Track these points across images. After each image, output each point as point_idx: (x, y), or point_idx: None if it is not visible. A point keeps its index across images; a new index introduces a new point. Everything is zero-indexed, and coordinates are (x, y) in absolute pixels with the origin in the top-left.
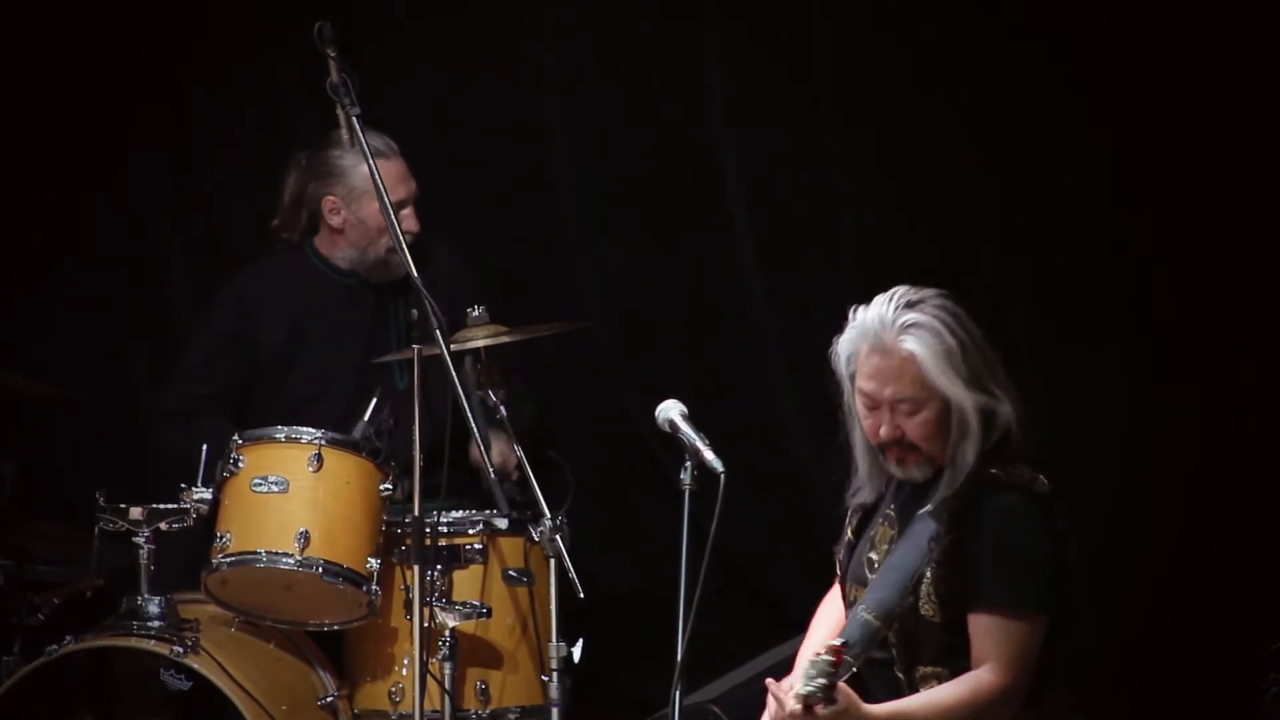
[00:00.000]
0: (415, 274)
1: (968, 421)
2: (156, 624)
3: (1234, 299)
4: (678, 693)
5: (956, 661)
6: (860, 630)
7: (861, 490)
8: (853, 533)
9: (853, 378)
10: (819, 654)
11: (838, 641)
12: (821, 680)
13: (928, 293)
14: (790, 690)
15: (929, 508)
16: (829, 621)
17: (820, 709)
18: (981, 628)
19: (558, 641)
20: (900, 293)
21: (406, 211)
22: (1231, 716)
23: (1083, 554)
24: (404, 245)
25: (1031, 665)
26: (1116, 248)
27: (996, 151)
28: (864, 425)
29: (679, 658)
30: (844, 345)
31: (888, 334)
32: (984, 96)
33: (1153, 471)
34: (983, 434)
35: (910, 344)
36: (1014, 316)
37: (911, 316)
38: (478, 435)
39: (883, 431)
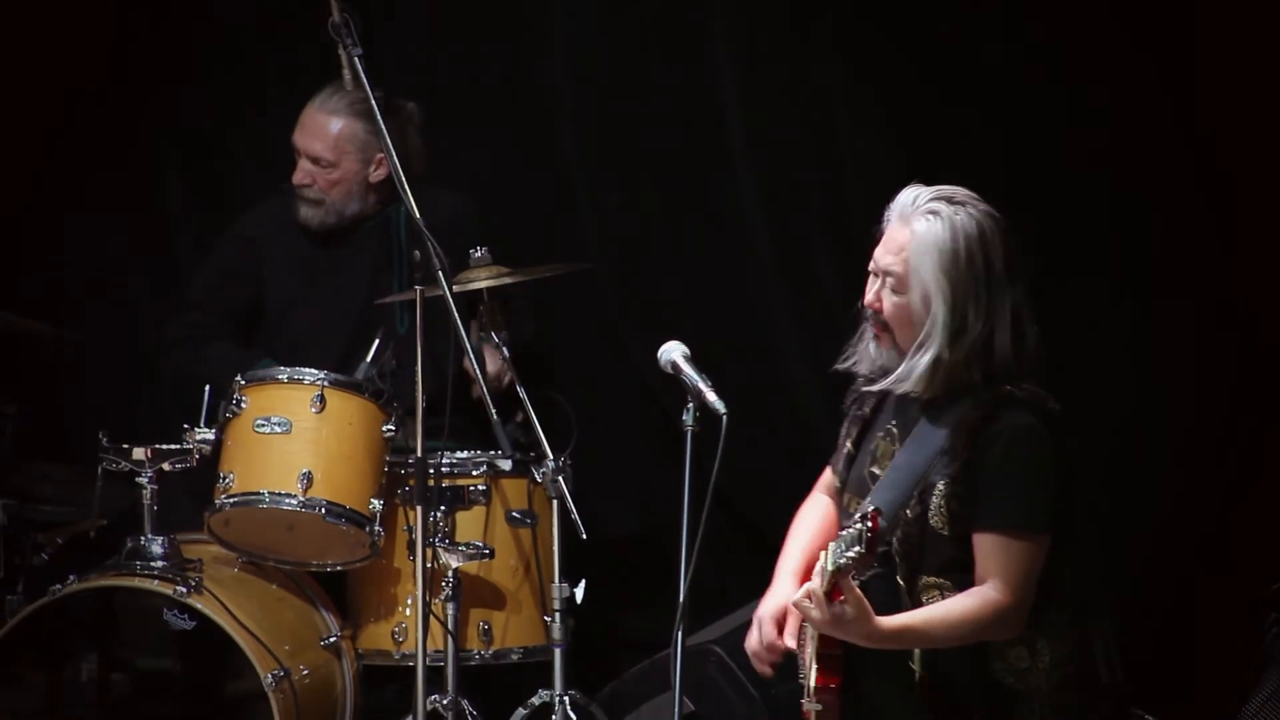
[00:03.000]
0: (418, 215)
1: (936, 325)
2: (160, 564)
3: (1233, 227)
4: (679, 633)
5: (960, 574)
6: None
7: (853, 358)
8: (852, 444)
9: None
10: (848, 529)
11: (870, 508)
12: (859, 548)
13: (974, 197)
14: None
15: (886, 384)
16: (809, 530)
17: (844, 592)
18: (986, 546)
19: (560, 582)
20: (952, 189)
21: (301, 161)
22: (1234, 655)
23: (1086, 492)
24: (405, 183)
25: (1034, 585)
26: (1118, 191)
27: (999, 93)
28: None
29: (681, 599)
30: (890, 210)
31: (910, 209)
32: (988, 37)
33: (1154, 414)
34: (950, 346)
35: (919, 225)
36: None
37: (940, 206)
38: (470, 353)
39: (868, 297)
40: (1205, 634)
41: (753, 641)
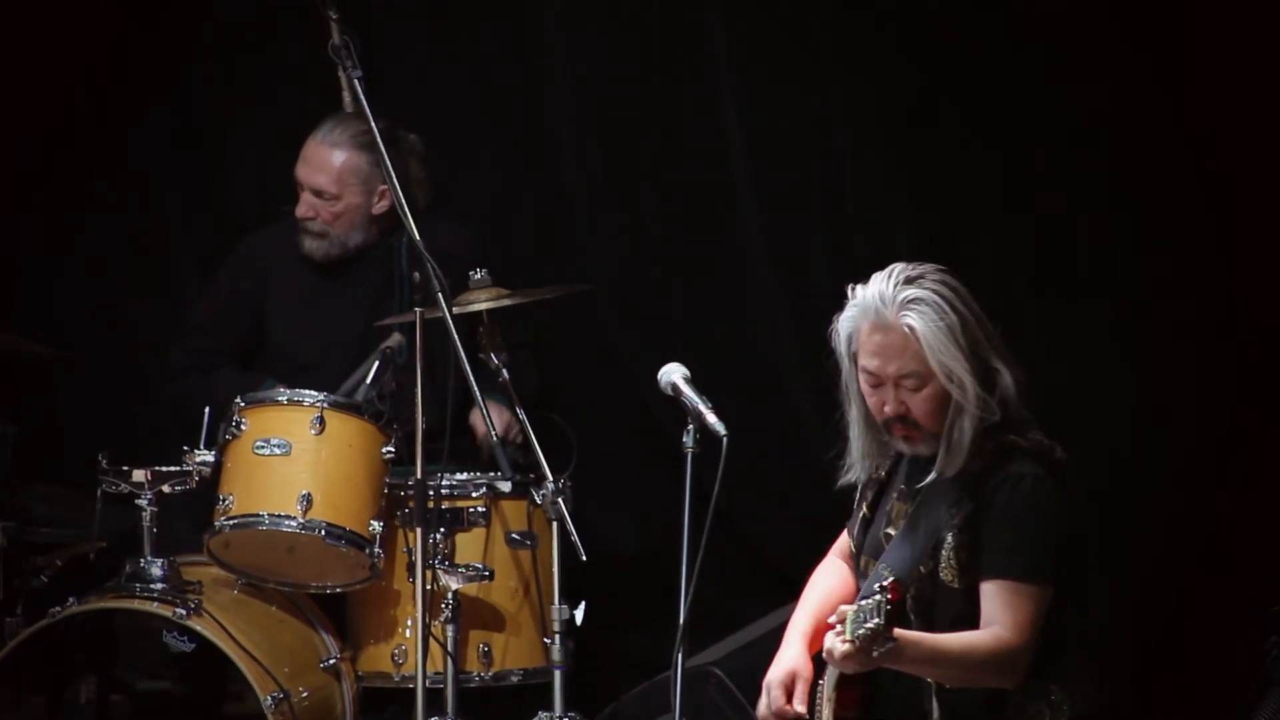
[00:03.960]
0: (418, 237)
1: (966, 397)
2: (159, 586)
3: (1233, 256)
4: (679, 655)
5: (972, 628)
6: None
7: (853, 469)
8: (868, 508)
9: (855, 357)
10: (868, 599)
11: (889, 580)
12: (878, 620)
13: (926, 268)
14: (833, 642)
15: (933, 477)
16: (822, 593)
17: (876, 650)
18: (990, 594)
19: (560, 604)
20: (899, 269)
21: (304, 194)
22: (1233, 666)
23: (1087, 517)
24: (406, 209)
25: (1037, 633)
26: (1118, 213)
27: (999, 115)
28: (869, 403)
29: (681, 620)
30: (844, 324)
31: (889, 311)
32: (988, 60)
33: (1154, 435)
34: (982, 407)
35: (911, 320)
36: (1016, 282)
37: (912, 292)
38: (478, 398)
39: (888, 408)
40: (1206, 643)
41: (761, 709)
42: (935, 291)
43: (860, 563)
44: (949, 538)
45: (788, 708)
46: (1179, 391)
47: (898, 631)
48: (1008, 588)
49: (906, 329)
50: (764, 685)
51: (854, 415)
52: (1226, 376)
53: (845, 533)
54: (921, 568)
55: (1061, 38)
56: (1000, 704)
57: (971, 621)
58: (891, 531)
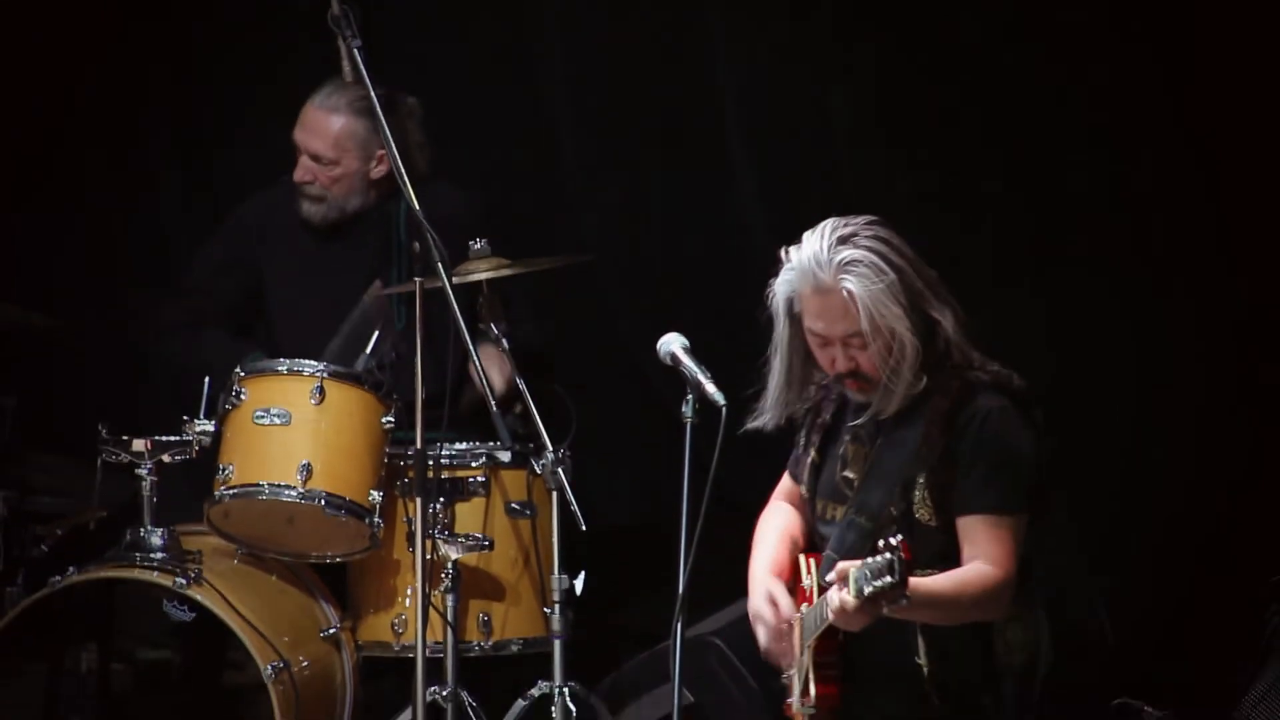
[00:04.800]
0: (417, 207)
1: (905, 349)
2: (159, 555)
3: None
4: (679, 624)
5: (952, 564)
6: (855, 532)
7: (763, 415)
8: (816, 453)
9: (797, 318)
10: (876, 556)
11: (898, 538)
12: (889, 579)
13: (858, 222)
14: (840, 598)
15: (867, 417)
16: (776, 531)
17: (888, 606)
18: (971, 529)
19: (560, 574)
20: (830, 227)
21: (302, 158)
22: (1234, 646)
23: (1091, 488)
24: (405, 176)
25: (1017, 562)
26: (1118, 212)
27: (997, 82)
28: (819, 359)
29: (681, 590)
30: (782, 286)
31: (825, 274)
32: (987, 29)
33: (1154, 434)
34: (923, 354)
35: (849, 283)
36: (1017, 278)
37: (847, 253)
38: (476, 360)
39: (839, 365)
40: (1206, 625)
41: (764, 636)
42: (870, 249)
43: (817, 506)
44: (921, 478)
45: (782, 625)
46: (1179, 391)
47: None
48: (988, 521)
49: (845, 293)
50: (752, 618)
51: (777, 366)
52: (1227, 375)
53: (787, 476)
54: (893, 508)
55: (1062, 30)
56: (984, 632)
57: (952, 558)
58: (850, 475)
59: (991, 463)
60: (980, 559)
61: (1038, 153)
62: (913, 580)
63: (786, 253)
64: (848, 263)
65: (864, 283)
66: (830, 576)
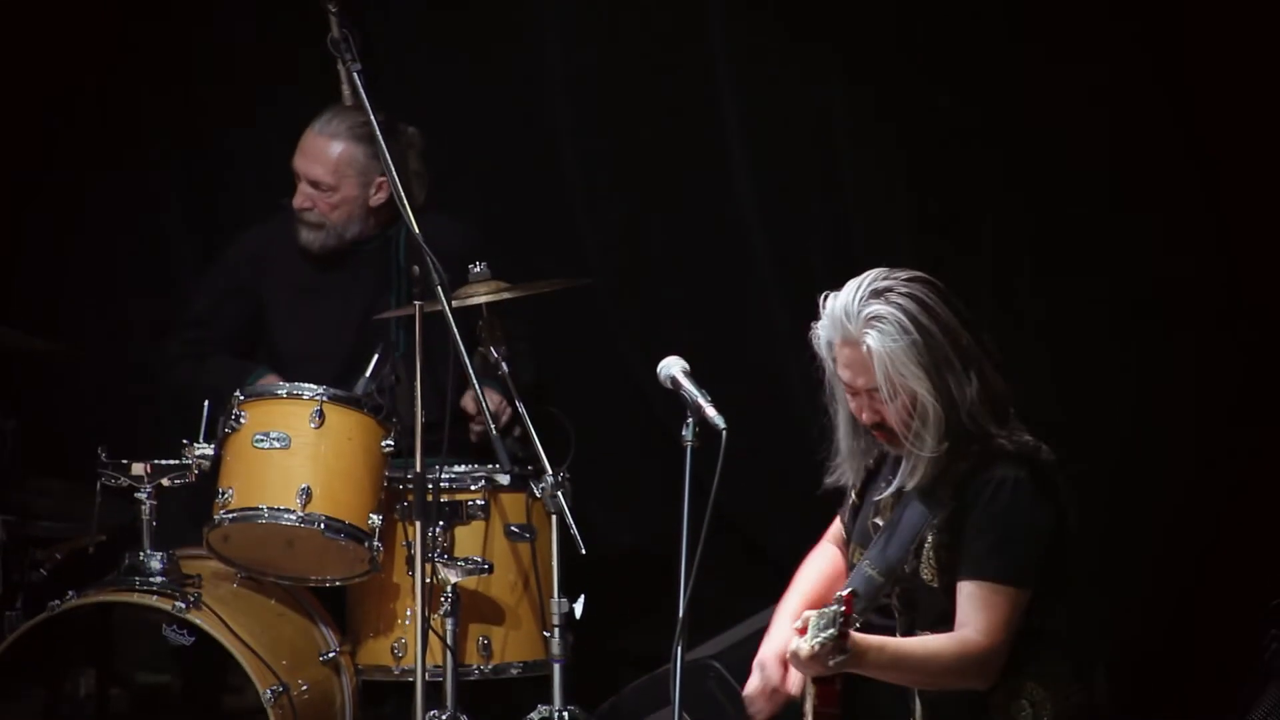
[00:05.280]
0: (417, 230)
1: (927, 411)
2: (158, 579)
3: (1234, 255)
4: (679, 648)
5: (953, 627)
6: (865, 584)
7: (839, 470)
8: (857, 495)
9: (835, 362)
10: (828, 605)
11: (846, 591)
12: (832, 631)
13: (899, 276)
14: (796, 644)
15: (893, 489)
16: (813, 578)
17: (831, 660)
18: (965, 594)
19: (559, 597)
20: (870, 278)
21: (301, 185)
22: (1232, 665)
23: (1088, 513)
24: (405, 201)
25: (1011, 634)
26: (1118, 212)
27: (1000, 105)
28: (851, 407)
29: (680, 614)
30: (821, 331)
31: (852, 326)
32: (988, 50)
33: (1155, 430)
34: (946, 419)
35: (871, 340)
36: (1015, 280)
37: (875, 308)
38: (476, 385)
39: (864, 416)
40: (1204, 644)
41: (754, 686)
42: (900, 306)
43: (850, 550)
44: (930, 537)
45: (783, 687)
46: (1179, 391)
47: (858, 638)
48: (983, 588)
49: (867, 349)
50: (756, 664)
51: (840, 417)
52: (1227, 376)
53: (838, 518)
54: (905, 566)
55: (1061, 26)
56: (982, 701)
57: (953, 621)
58: (879, 522)
59: (999, 533)
60: (969, 626)
61: (1038, 153)
62: (878, 640)
63: (823, 300)
64: (873, 317)
65: (884, 340)
66: (797, 622)
